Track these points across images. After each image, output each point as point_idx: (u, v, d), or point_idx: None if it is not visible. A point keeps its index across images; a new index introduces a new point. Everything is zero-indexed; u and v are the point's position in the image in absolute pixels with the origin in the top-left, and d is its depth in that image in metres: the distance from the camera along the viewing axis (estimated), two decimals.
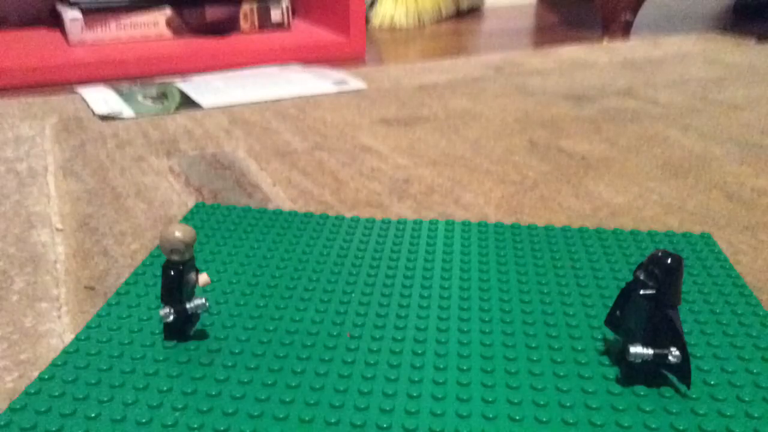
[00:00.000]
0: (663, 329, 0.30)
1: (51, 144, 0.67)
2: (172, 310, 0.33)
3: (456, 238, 0.45)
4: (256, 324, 0.36)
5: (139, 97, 0.82)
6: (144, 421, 0.29)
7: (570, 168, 0.60)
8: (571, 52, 1.08)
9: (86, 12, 1.01)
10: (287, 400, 0.30)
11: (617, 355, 0.33)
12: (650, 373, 0.31)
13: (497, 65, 0.99)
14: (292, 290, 0.39)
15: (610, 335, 0.35)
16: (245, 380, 0.31)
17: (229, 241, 0.45)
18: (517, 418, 0.29)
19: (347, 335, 0.35)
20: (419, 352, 0.34)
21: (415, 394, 0.31)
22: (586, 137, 0.68)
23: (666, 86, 0.86)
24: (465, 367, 0.32)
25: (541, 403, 0.30)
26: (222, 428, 0.29)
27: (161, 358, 0.33)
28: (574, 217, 0.50)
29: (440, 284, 0.40)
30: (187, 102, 0.80)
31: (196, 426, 0.29)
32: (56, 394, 0.30)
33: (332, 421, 0.29)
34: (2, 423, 0.29)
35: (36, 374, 0.33)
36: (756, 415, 0.30)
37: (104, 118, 0.75)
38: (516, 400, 0.30)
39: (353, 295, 0.39)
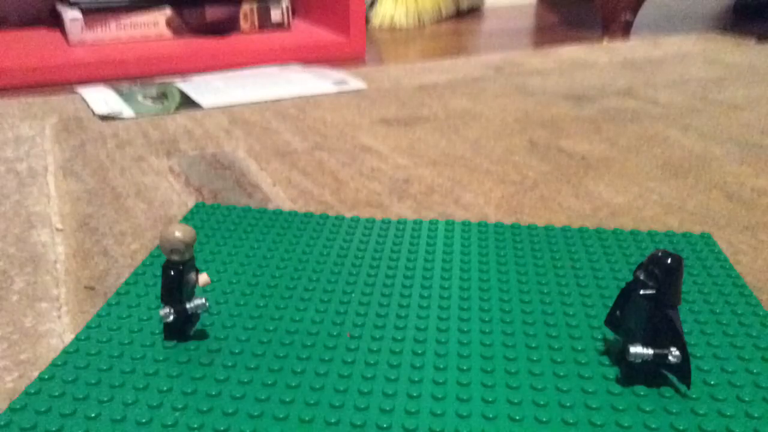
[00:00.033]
0: (663, 329, 0.30)
1: (51, 144, 0.67)
2: (172, 310, 0.33)
3: (456, 238, 0.45)
4: (256, 324, 0.36)
5: (139, 97, 0.82)
6: (144, 421, 0.29)
7: (570, 168, 0.60)
8: (571, 52, 1.08)
9: (86, 12, 1.01)
10: (287, 400, 0.30)
11: (617, 355, 0.33)
12: (650, 373, 0.31)
13: (497, 65, 0.99)
14: (292, 290, 0.39)
15: (610, 335, 0.35)
16: (245, 380, 0.31)
17: (229, 241, 0.45)
18: (517, 418, 0.29)
19: (347, 335, 0.35)
20: (419, 352, 0.34)
21: (415, 394, 0.31)
22: (586, 137, 0.68)
23: (666, 86, 0.86)
24: (465, 367, 0.32)
25: (541, 403, 0.30)
26: (222, 428, 0.29)
27: (161, 358, 0.33)
28: (574, 217, 0.50)
29: (440, 284, 0.40)
30: (187, 102, 0.80)
31: (196, 426, 0.29)
32: (56, 394, 0.30)
33: (332, 421, 0.29)
34: (2, 423, 0.29)
35: (36, 374, 0.33)
36: (756, 415, 0.30)
37: (104, 118, 0.75)
38: (516, 400, 0.30)
39: (353, 295, 0.39)
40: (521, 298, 0.38)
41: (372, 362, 0.33)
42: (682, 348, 0.30)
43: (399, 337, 0.35)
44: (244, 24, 1.12)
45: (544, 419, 0.29)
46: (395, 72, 0.96)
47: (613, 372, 0.32)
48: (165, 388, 0.31)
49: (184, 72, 0.98)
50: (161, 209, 0.52)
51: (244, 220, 0.48)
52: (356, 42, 1.07)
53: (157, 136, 0.69)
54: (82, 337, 0.34)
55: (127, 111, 0.77)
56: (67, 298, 0.40)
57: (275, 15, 1.14)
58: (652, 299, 0.30)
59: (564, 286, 0.40)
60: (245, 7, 1.12)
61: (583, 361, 0.33)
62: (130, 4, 1.04)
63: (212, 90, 0.85)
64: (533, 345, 0.34)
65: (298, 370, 0.32)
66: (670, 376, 0.32)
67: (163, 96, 0.83)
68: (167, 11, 1.07)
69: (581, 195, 0.54)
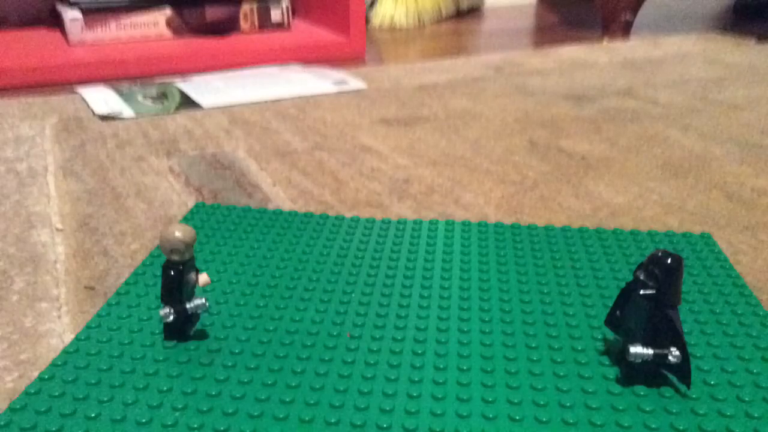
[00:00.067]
0: (663, 329, 0.30)
1: (51, 144, 0.67)
2: (172, 310, 0.33)
3: (456, 238, 0.45)
4: (256, 324, 0.36)
5: (139, 97, 0.82)
6: (144, 421, 0.29)
7: (570, 168, 0.60)
8: (571, 52, 1.08)
9: (86, 12, 1.01)
10: (287, 400, 0.30)
11: (617, 355, 0.33)
12: (650, 373, 0.31)
13: (497, 65, 0.99)
14: (292, 290, 0.39)
15: (610, 335, 0.35)
16: (245, 380, 0.31)
17: (229, 241, 0.45)
18: (517, 418, 0.29)
19: (347, 335, 0.35)
20: (419, 352, 0.34)
21: (415, 394, 0.31)
22: (586, 137, 0.68)
23: (666, 86, 0.86)
24: (465, 367, 0.32)
25: (541, 403, 0.30)
26: (222, 428, 0.29)
27: (161, 358, 0.33)
28: (574, 217, 0.50)
29: (440, 284, 0.40)
30: (187, 102, 0.80)
31: (196, 426, 0.29)
32: (56, 394, 0.30)
33: (332, 421, 0.29)
34: (2, 423, 0.29)
35: (36, 374, 0.33)
36: (756, 415, 0.30)
37: (104, 118, 0.75)
38: (516, 400, 0.30)
39: (353, 295, 0.39)
40: (521, 298, 0.38)
41: (372, 362, 0.33)
42: (682, 348, 0.30)
43: (399, 337, 0.35)
44: (244, 24, 1.12)
45: (544, 419, 0.29)
46: (395, 72, 0.96)
47: (613, 372, 0.32)
48: (165, 388, 0.31)
49: (184, 72, 0.98)
50: (161, 209, 0.52)
51: (244, 220, 0.48)
52: (356, 42, 1.07)
53: (157, 136, 0.69)
54: (82, 337, 0.34)
55: (127, 111, 0.77)
56: (67, 298, 0.40)
57: (275, 15, 1.14)
58: (652, 299, 0.30)
59: (564, 286, 0.40)
60: (245, 7, 1.12)
61: (583, 361, 0.33)
62: (130, 4, 1.04)
63: (212, 90, 0.85)
64: (533, 345, 0.34)
65: (298, 370, 0.32)
66: (670, 376, 0.32)
67: (163, 96, 0.83)
68: (167, 11, 1.07)
69: (581, 195, 0.54)
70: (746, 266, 0.43)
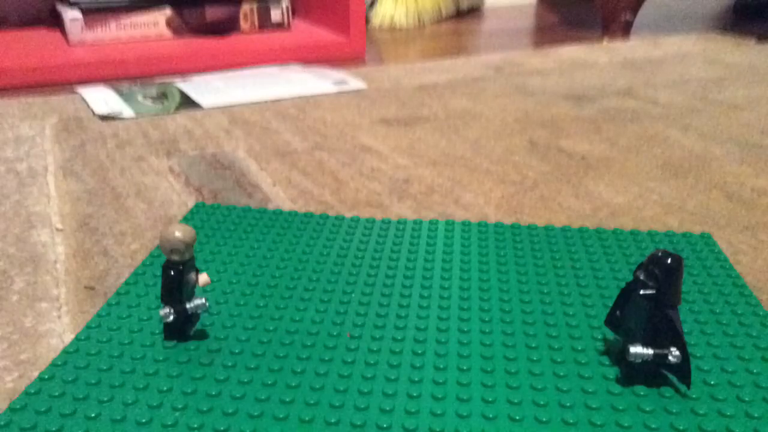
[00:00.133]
0: (663, 329, 0.30)
1: (51, 144, 0.67)
2: (172, 310, 0.33)
3: (456, 238, 0.45)
4: (256, 324, 0.36)
5: (139, 97, 0.82)
6: (144, 421, 0.29)
7: (570, 168, 0.60)
8: (571, 52, 1.08)
9: (86, 12, 1.01)
10: (287, 400, 0.30)
11: (617, 355, 0.33)
12: (650, 373, 0.31)
13: (497, 65, 0.99)
14: (292, 290, 0.39)
15: (610, 335, 0.35)
16: (245, 380, 0.31)
17: (229, 241, 0.45)
18: (517, 418, 0.29)
19: (347, 335, 0.35)
20: (419, 352, 0.34)
21: (415, 394, 0.31)
22: (586, 137, 0.68)
23: (666, 86, 0.86)
24: (465, 367, 0.32)
25: (541, 403, 0.30)
26: (222, 428, 0.29)
27: (161, 358, 0.33)
28: (574, 217, 0.50)
29: (440, 284, 0.40)
30: (187, 102, 0.80)
31: (196, 426, 0.29)
32: (56, 394, 0.30)
33: (332, 421, 0.29)
34: (2, 423, 0.29)
35: (36, 374, 0.33)
36: (756, 415, 0.30)
37: (104, 118, 0.75)
38: (516, 400, 0.30)
39: (353, 295, 0.39)
40: (521, 298, 0.38)
41: (372, 362, 0.33)
42: (682, 348, 0.30)
43: (399, 337, 0.35)
44: (244, 24, 1.12)
45: (544, 419, 0.29)
46: (395, 72, 0.96)
47: (613, 372, 0.32)
48: (165, 388, 0.31)
49: (184, 72, 0.98)
50: (161, 209, 0.52)
51: (244, 220, 0.48)
52: (356, 42, 1.07)
53: (157, 136, 0.69)
54: (82, 337, 0.34)
55: (127, 111, 0.77)
56: (67, 298, 0.40)
57: (275, 15, 1.14)
58: (652, 299, 0.30)
59: (564, 286, 0.40)
60: (245, 7, 1.12)
61: (583, 361, 0.33)
62: (130, 4, 1.04)
63: (212, 90, 0.85)
64: (533, 345, 0.34)
65: (298, 370, 0.32)
66: (670, 376, 0.32)
67: (163, 96, 0.83)
68: (167, 11, 1.07)
69: (581, 195, 0.54)
70: (746, 266, 0.43)
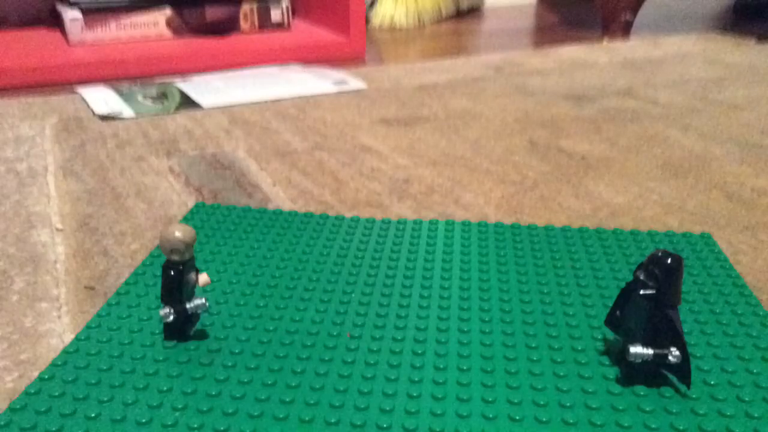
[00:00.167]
0: (663, 329, 0.30)
1: (51, 144, 0.67)
2: (172, 310, 0.33)
3: (456, 238, 0.45)
4: (256, 324, 0.36)
5: (139, 97, 0.82)
6: (144, 421, 0.29)
7: (570, 168, 0.60)
8: (571, 52, 1.08)
9: (86, 12, 1.01)
10: (287, 400, 0.30)
11: (617, 355, 0.33)
12: (650, 373, 0.31)
13: (497, 65, 0.99)
14: (292, 290, 0.39)
15: (610, 335, 0.35)
16: (245, 380, 0.31)
17: (229, 241, 0.45)
18: (517, 418, 0.29)
19: (347, 335, 0.35)
20: (419, 352, 0.34)
21: (415, 394, 0.31)
22: (586, 137, 0.68)
23: (666, 86, 0.86)
24: (465, 367, 0.32)
25: (541, 403, 0.30)
26: (222, 428, 0.29)
27: (161, 358, 0.33)
28: (574, 217, 0.50)
29: (440, 284, 0.40)
30: (187, 102, 0.80)
31: (196, 426, 0.29)
32: (56, 394, 0.30)
33: (332, 421, 0.29)
34: (2, 423, 0.29)
35: (36, 374, 0.33)
36: (756, 415, 0.30)
37: (104, 118, 0.75)
38: (516, 400, 0.30)
39: (353, 295, 0.39)
40: (521, 298, 0.38)
41: (372, 362, 0.33)
42: (682, 348, 0.30)
43: (399, 337, 0.35)
44: (244, 24, 1.12)
45: (544, 419, 0.29)
46: (395, 72, 0.96)
47: (613, 372, 0.32)
48: (165, 388, 0.31)
49: (184, 72, 0.98)
50: (161, 209, 0.52)
51: (244, 220, 0.48)
52: (356, 42, 1.07)
53: (157, 136, 0.69)
54: (82, 337, 0.34)
55: (127, 111, 0.77)
56: (67, 298, 0.40)
57: (275, 15, 1.14)
58: (652, 299, 0.30)
59: (564, 286, 0.40)
60: (245, 7, 1.12)
61: (583, 361, 0.33)
62: (130, 4, 1.04)
63: (212, 90, 0.85)
64: (533, 345, 0.34)
65: (298, 370, 0.32)
66: (670, 376, 0.32)
67: (163, 96, 0.83)
68: (167, 11, 1.07)
69: (581, 195, 0.54)
70: (746, 266, 0.43)
